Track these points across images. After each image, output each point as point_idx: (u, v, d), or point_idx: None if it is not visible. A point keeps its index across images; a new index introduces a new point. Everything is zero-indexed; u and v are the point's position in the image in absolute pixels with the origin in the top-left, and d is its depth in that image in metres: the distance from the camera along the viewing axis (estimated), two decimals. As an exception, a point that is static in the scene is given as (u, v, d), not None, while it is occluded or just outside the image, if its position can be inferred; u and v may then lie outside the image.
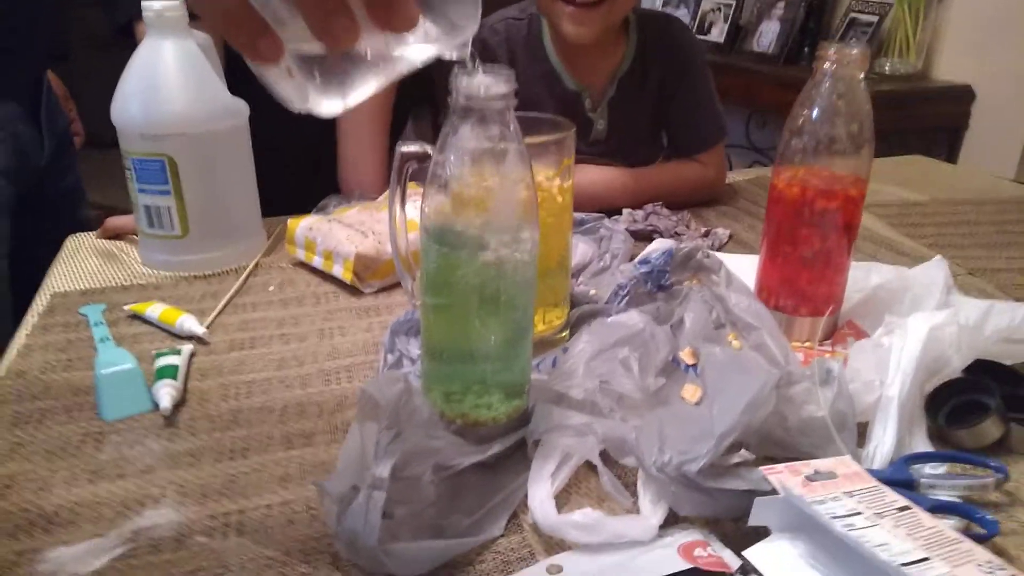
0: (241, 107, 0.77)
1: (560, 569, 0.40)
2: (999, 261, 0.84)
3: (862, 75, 0.59)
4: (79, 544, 0.44)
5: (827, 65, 0.59)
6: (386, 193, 0.85)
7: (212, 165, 0.75)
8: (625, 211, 0.92)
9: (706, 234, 0.87)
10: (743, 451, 0.44)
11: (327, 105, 0.38)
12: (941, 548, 0.39)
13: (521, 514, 0.46)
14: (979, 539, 0.42)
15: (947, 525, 0.42)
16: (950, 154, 1.87)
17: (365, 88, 0.38)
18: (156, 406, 0.55)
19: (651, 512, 0.43)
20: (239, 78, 0.84)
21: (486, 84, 0.42)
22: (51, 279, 0.78)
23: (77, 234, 0.89)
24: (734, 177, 1.09)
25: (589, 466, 0.48)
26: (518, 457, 0.49)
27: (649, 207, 0.92)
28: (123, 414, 0.55)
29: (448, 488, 0.44)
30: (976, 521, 0.44)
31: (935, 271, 0.69)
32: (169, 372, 0.57)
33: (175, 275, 0.77)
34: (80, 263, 0.81)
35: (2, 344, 0.83)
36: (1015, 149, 1.77)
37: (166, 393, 0.55)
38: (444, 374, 0.51)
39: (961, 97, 1.88)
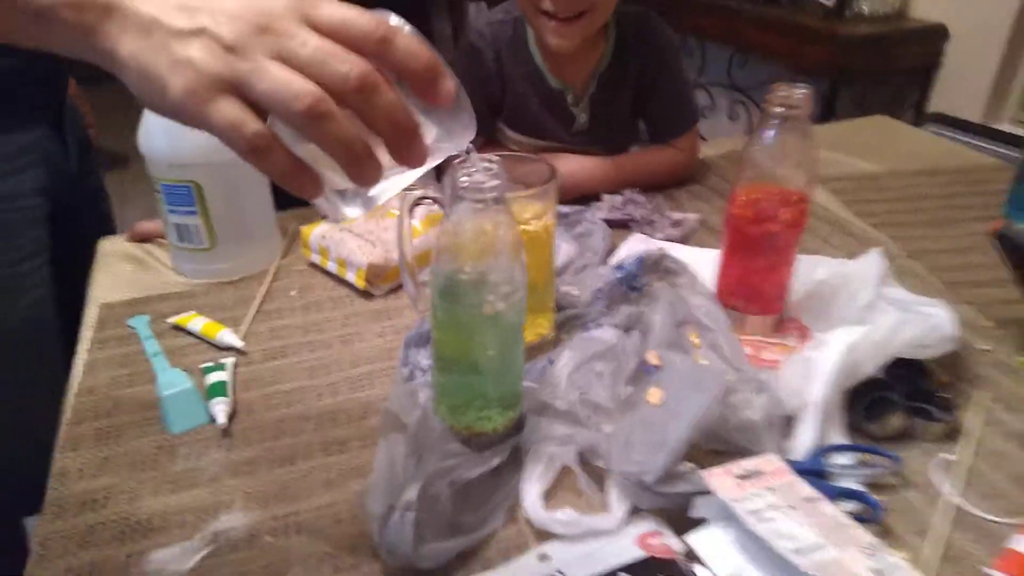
0: (254, 129, 0.85)
1: (547, 557, 0.53)
2: (939, 241, 0.95)
3: (807, 114, 0.68)
4: (173, 547, 0.56)
5: (776, 108, 0.67)
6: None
7: (234, 185, 0.84)
8: (605, 197, 1.01)
9: (677, 223, 0.96)
10: (687, 463, 0.56)
11: (351, 213, 0.47)
12: (835, 534, 0.51)
13: (517, 509, 0.58)
14: (870, 520, 0.55)
15: (847, 509, 0.55)
16: (922, 95, 1.93)
17: (383, 198, 0.48)
18: (212, 419, 0.67)
19: (617, 507, 0.56)
20: None
21: (480, 180, 0.52)
22: (94, 288, 0.88)
23: (108, 238, 0.98)
24: (707, 152, 1.17)
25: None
26: (512, 460, 0.61)
27: (627, 194, 1.01)
28: (185, 427, 0.67)
29: (459, 492, 0.56)
30: (867, 504, 0.56)
31: (871, 266, 0.79)
32: (220, 389, 0.69)
33: (207, 282, 0.87)
34: (116, 270, 0.91)
35: (51, 343, 0.94)
36: (984, 89, 1.83)
37: (220, 410, 0.66)
38: (450, 389, 0.62)
39: (935, 36, 1.93)
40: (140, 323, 0.80)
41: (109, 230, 1.12)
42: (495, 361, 0.59)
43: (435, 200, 0.69)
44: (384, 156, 0.43)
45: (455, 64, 1.03)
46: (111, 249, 0.95)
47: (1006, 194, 0.96)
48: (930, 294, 0.82)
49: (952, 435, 0.64)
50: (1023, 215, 0.93)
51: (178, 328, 0.80)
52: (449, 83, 0.42)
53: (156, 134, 0.80)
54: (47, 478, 0.64)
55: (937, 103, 1.90)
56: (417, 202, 0.68)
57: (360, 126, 0.40)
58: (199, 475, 0.62)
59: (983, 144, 1.68)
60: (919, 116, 1.91)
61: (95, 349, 0.77)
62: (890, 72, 1.92)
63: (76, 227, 1.04)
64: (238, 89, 0.38)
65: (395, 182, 0.47)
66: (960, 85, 1.87)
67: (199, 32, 0.38)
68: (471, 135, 0.46)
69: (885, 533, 0.56)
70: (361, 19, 0.39)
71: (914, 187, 1.09)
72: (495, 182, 0.52)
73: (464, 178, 0.52)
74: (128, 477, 0.62)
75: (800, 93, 0.68)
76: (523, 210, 0.66)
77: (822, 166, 1.15)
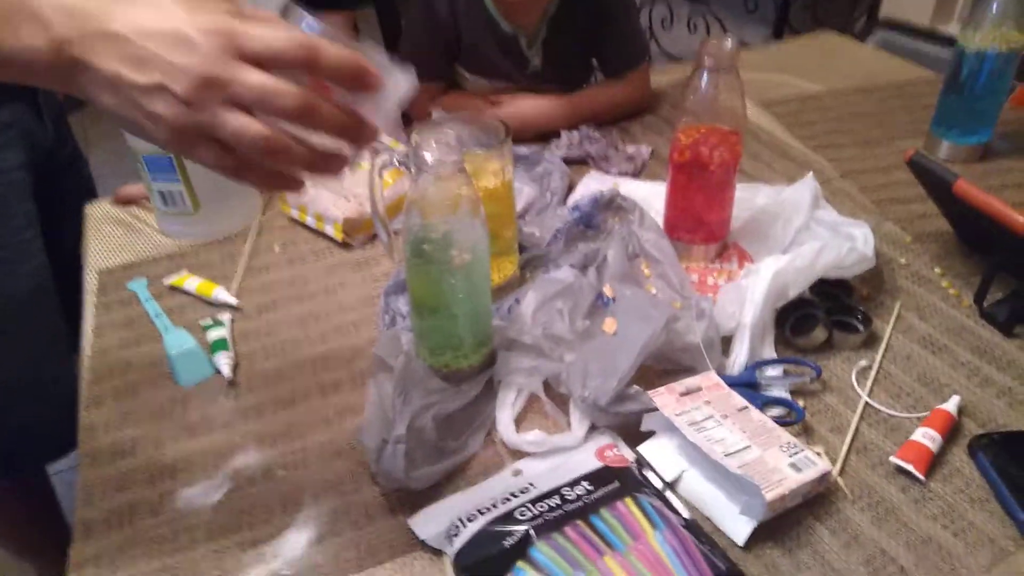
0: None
1: (520, 472, 0.63)
2: (869, 160, 1.02)
3: (734, 65, 0.74)
4: (198, 485, 0.65)
5: (707, 59, 0.73)
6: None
7: (210, 151, 0.89)
8: (563, 134, 1.07)
9: (630, 157, 1.03)
10: (635, 386, 0.65)
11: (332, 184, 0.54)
12: (759, 436, 0.61)
13: (492, 432, 0.67)
14: (793, 422, 0.65)
15: (774, 415, 0.65)
16: (875, 1, 1.96)
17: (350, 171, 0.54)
18: (217, 371, 0.75)
19: (578, 427, 0.65)
20: None
21: (441, 155, 0.58)
22: (89, 254, 0.94)
23: (93, 202, 1.03)
24: (657, 80, 1.22)
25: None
26: (487, 391, 0.70)
27: (584, 130, 1.07)
28: (194, 380, 0.75)
29: (442, 422, 0.65)
30: (792, 409, 0.66)
31: (804, 191, 0.87)
32: (222, 344, 0.76)
33: (193, 242, 0.93)
34: (107, 234, 0.97)
35: (53, 306, 1.00)
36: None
37: (225, 363, 0.74)
38: (428, 333, 0.70)
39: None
40: (139, 286, 0.87)
41: (90, 192, 1.17)
42: (466, 306, 0.67)
43: (401, 163, 0.75)
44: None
45: (410, 14, 1.07)
46: (99, 214, 1.01)
47: (933, 110, 1.03)
48: (860, 213, 0.91)
49: (870, 344, 0.74)
50: (947, 131, 1.01)
51: (174, 288, 0.86)
52: (372, 75, 0.47)
53: (132, 108, 0.84)
54: (61, 429, 0.72)
55: (888, 9, 1.94)
56: (384, 165, 0.74)
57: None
58: (212, 422, 0.70)
59: (931, 49, 1.74)
60: (869, 22, 1.95)
61: (100, 313, 0.84)
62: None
63: (56, 194, 1.08)
64: (208, 133, 0.44)
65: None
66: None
67: (158, 89, 0.42)
68: (411, 76, 0.51)
69: (806, 432, 0.66)
70: (284, 45, 0.43)
71: (850, 106, 1.16)
72: (454, 157, 0.59)
73: (427, 155, 0.58)
74: (150, 427, 0.70)
75: (728, 46, 0.74)
76: (481, 168, 0.73)
77: (769, 89, 1.22)
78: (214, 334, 0.77)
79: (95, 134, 2.62)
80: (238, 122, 0.43)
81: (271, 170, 0.47)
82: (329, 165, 0.47)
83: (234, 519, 0.62)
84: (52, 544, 0.95)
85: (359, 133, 0.47)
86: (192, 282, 0.85)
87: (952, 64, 0.97)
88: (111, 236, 0.97)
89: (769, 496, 0.55)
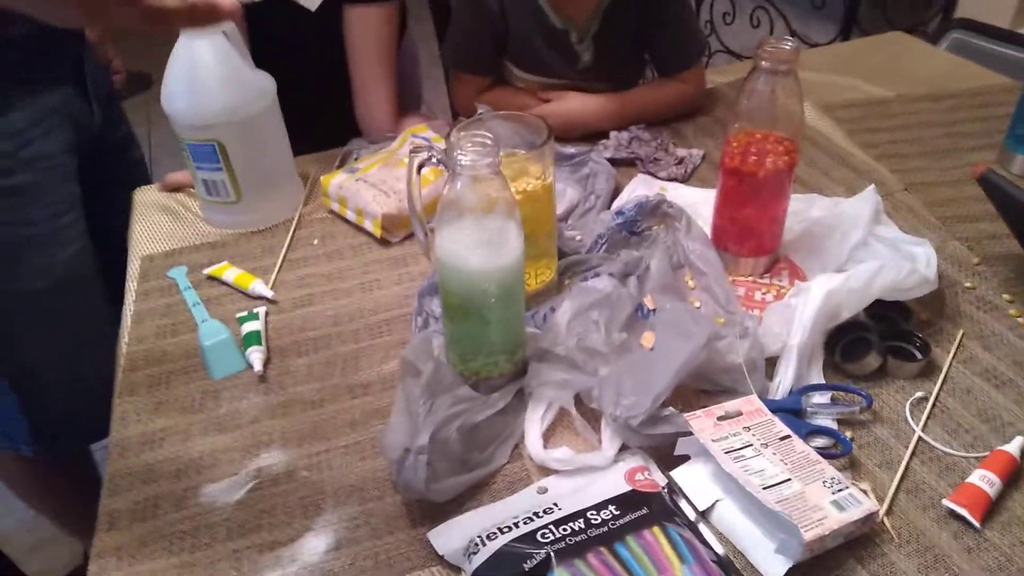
0: (270, 85, 0.89)
1: (546, 490, 0.61)
2: (935, 173, 0.96)
3: (794, 68, 0.70)
4: (223, 481, 0.64)
5: (764, 63, 0.70)
6: (400, 143, 0.99)
7: (255, 141, 0.88)
8: (612, 134, 1.04)
9: (680, 161, 0.99)
10: (670, 408, 0.62)
11: None
12: (802, 470, 0.58)
13: (520, 446, 0.65)
14: (840, 455, 0.61)
15: (818, 446, 0.61)
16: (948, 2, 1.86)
17: None
18: (249, 365, 0.75)
19: (609, 445, 0.62)
20: (262, 44, 0.96)
21: (476, 158, 0.56)
22: (134, 241, 0.95)
23: (141, 188, 1.04)
24: (713, 79, 1.18)
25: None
26: (516, 401, 0.67)
27: (633, 130, 1.04)
28: (226, 373, 0.74)
29: (468, 432, 0.63)
30: (839, 441, 0.62)
31: (864, 204, 0.82)
32: (255, 338, 0.76)
33: (235, 232, 0.93)
34: (152, 221, 0.98)
35: (95, 291, 1.02)
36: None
37: (257, 358, 0.74)
38: (459, 338, 0.68)
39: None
40: (179, 274, 0.87)
41: (142, 176, 1.18)
42: (497, 313, 0.65)
43: (439, 161, 0.74)
44: None
45: (459, 4, 1.05)
46: (146, 200, 1.02)
47: (1009, 120, 0.97)
48: (923, 230, 0.86)
49: (927, 373, 0.69)
50: (1021, 147, 0.95)
51: (212, 278, 0.86)
52: None
53: (178, 97, 0.84)
54: (102, 412, 0.72)
55: (964, 8, 1.84)
56: (423, 163, 0.72)
57: None
58: (241, 417, 0.70)
59: (1010, 52, 1.64)
60: (944, 23, 1.85)
61: (140, 300, 0.85)
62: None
63: (104, 178, 1.09)
64: None
65: None
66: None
67: None
68: None
69: (852, 466, 0.62)
70: None
71: (918, 113, 1.09)
72: (489, 159, 0.57)
73: (462, 157, 0.56)
74: (179, 419, 0.70)
75: (787, 48, 0.69)
76: (521, 169, 0.70)
77: (832, 92, 1.16)
78: (248, 327, 0.77)
79: (157, 115, 2.68)
80: None
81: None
82: None
83: (255, 519, 0.61)
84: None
85: None
86: (231, 273, 0.85)
87: (1034, 73, 0.90)
88: (156, 222, 0.97)
89: (808, 536, 0.52)
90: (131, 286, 0.87)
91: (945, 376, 0.69)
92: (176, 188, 1.02)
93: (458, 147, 0.57)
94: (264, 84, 0.88)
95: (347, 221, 0.93)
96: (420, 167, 0.72)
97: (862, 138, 1.04)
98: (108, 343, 0.89)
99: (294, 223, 0.94)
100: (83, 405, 0.97)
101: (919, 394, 0.67)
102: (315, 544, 0.59)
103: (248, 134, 0.87)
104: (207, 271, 0.87)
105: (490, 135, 0.58)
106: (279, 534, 0.60)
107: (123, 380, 0.75)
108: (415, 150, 0.72)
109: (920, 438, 0.63)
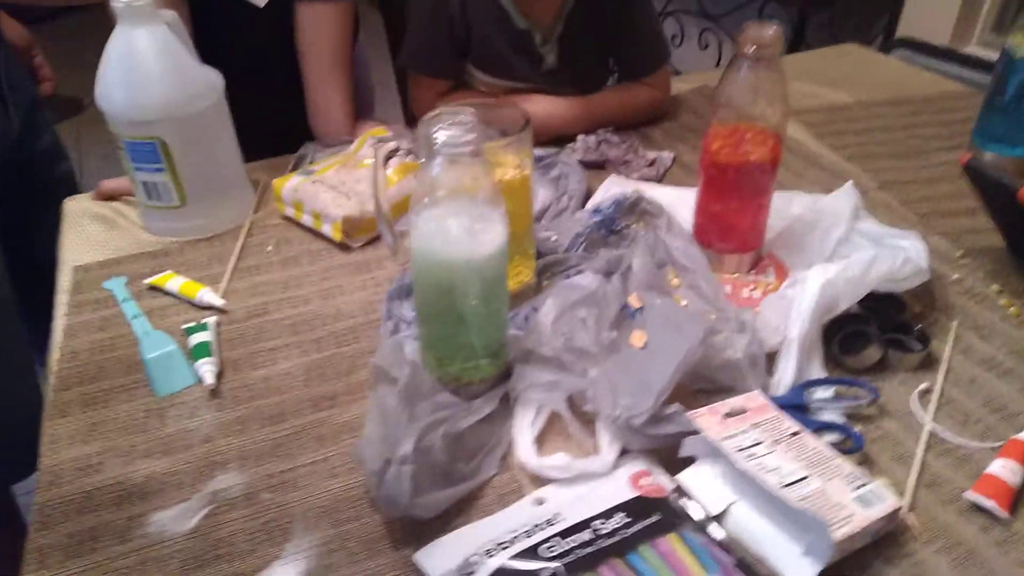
0: (217, 80, 0.83)
1: (543, 500, 0.55)
2: (907, 172, 0.96)
3: (777, 53, 0.67)
4: (173, 508, 0.56)
5: (747, 48, 0.67)
6: (358, 146, 0.93)
7: (200, 139, 0.81)
8: (579, 138, 1.00)
9: (652, 163, 0.96)
10: (675, 404, 0.57)
11: None
12: (819, 466, 0.53)
13: (508, 456, 0.59)
14: (852, 451, 0.57)
15: (828, 441, 0.57)
16: (891, 20, 1.92)
17: None
18: (199, 380, 0.67)
19: (607, 450, 0.57)
20: (207, 41, 0.89)
21: (456, 134, 0.51)
22: (64, 251, 0.86)
23: (72, 198, 0.95)
24: (679, 87, 1.16)
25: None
26: (501, 408, 0.62)
27: (601, 133, 1.01)
28: (173, 389, 0.66)
29: (451, 442, 0.57)
30: (850, 436, 0.58)
31: (844, 199, 0.80)
32: (204, 349, 0.68)
33: (179, 240, 0.86)
34: (86, 231, 0.89)
35: (10, 311, 0.92)
36: (952, 12, 1.83)
37: (207, 371, 0.66)
38: (435, 341, 0.62)
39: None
40: (116, 285, 0.79)
41: (70, 190, 1.09)
42: (479, 311, 0.59)
43: (409, 151, 0.68)
44: None
45: (417, 5, 1.01)
46: (78, 209, 0.93)
47: (973, 123, 0.97)
48: (902, 226, 0.84)
49: (927, 364, 0.66)
50: (989, 144, 0.95)
51: (155, 288, 0.78)
52: None
53: (115, 89, 0.77)
54: (25, 447, 0.63)
55: (905, 28, 1.89)
56: (391, 153, 0.67)
57: None
58: (191, 436, 0.62)
59: (951, 68, 1.69)
60: (887, 42, 1.90)
61: (73, 313, 0.76)
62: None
63: (25, 190, 1.00)
64: None
65: None
66: (928, 9, 1.86)
67: None
68: None
69: (865, 462, 0.58)
70: None
71: (882, 117, 1.09)
72: (470, 136, 0.52)
73: (439, 133, 0.51)
74: (120, 441, 0.62)
75: (771, 32, 0.67)
76: (499, 159, 0.65)
77: (793, 98, 1.15)
78: (196, 338, 0.69)
79: (89, 140, 2.54)
80: None
81: None
82: None
83: (212, 548, 0.53)
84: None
85: None
86: (175, 282, 0.77)
87: (997, 72, 0.91)
88: (90, 232, 0.89)
89: (837, 535, 0.47)
90: (62, 299, 0.78)
91: (947, 367, 0.66)
92: (111, 196, 0.94)
93: (435, 126, 0.52)
94: (211, 79, 0.82)
95: (303, 226, 0.87)
96: (388, 158, 0.66)
97: (830, 140, 1.03)
98: (27, 370, 0.80)
99: (244, 229, 0.87)
100: (6, 437, 0.87)
101: (923, 385, 0.64)
102: (284, 573, 0.51)
103: (193, 132, 0.80)
104: (148, 281, 0.78)
105: (470, 113, 0.53)
106: (242, 564, 0.52)
107: (54, 400, 0.66)
108: (381, 140, 0.66)
109: (931, 431, 0.60)
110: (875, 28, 1.97)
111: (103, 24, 0.77)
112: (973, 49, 1.85)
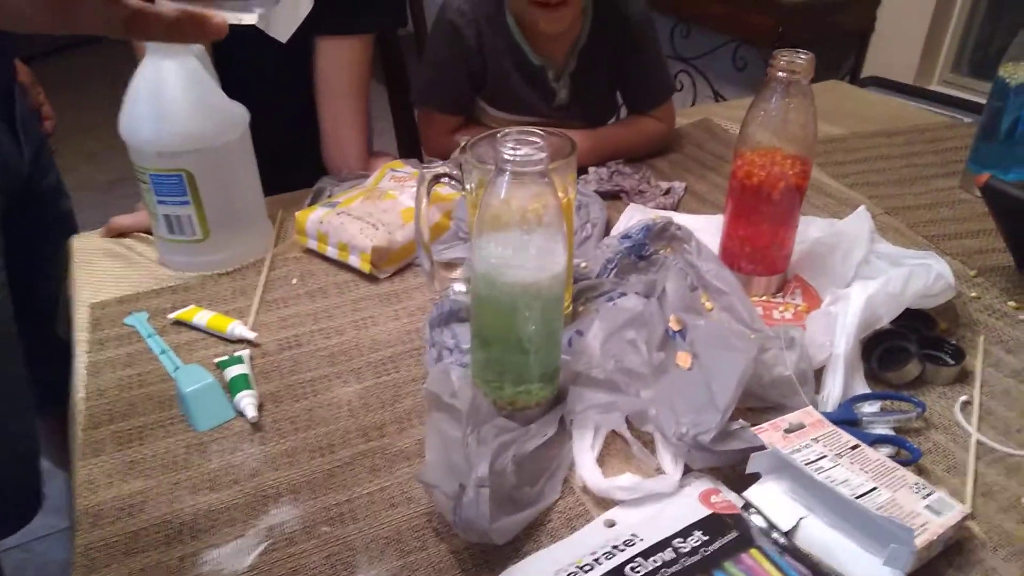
0: (242, 113, 0.82)
1: (614, 523, 0.54)
2: (909, 198, 0.99)
3: (808, 80, 0.70)
4: (227, 545, 0.54)
5: (780, 74, 0.69)
6: (377, 178, 0.93)
7: (226, 172, 0.80)
8: (591, 170, 1.02)
9: (667, 192, 0.98)
10: (740, 420, 0.58)
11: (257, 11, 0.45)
12: (884, 477, 0.54)
13: (570, 478, 0.59)
14: (908, 463, 0.58)
15: (884, 454, 0.58)
16: (858, 60, 2.01)
17: None
18: (238, 413, 0.65)
19: (672, 470, 0.57)
20: (227, 73, 0.89)
21: (527, 152, 0.51)
22: (77, 289, 0.83)
23: (78, 235, 0.93)
24: (679, 121, 1.19)
25: (614, 433, 0.61)
26: (559, 431, 0.61)
27: (612, 165, 1.02)
28: (213, 424, 0.64)
29: (519, 463, 0.56)
30: (906, 449, 0.59)
31: (860, 222, 0.83)
32: (243, 382, 0.66)
33: (199, 274, 0.84)
34: (98, 268, 0.87)
35: (11, 347, 0.89)
36: (915, 51, 1.92)
37: (248, 403, 0.64)
38: (490, 365, 0.62)
39: (869, 1, 2.00)
40: (138, 320, 0.76)
41: (72, 227, 1.06)
42: (538, 334, 0.59)
43: (452, 177, 0.69)
44: None
45: (434, 41, 1.02)
46: (87, 246, 0.90)
47: (968, 151, 1.01)
48: (915, 248, 0.87)
49: (961, 379, 0.68)
50: (984, 170, 0.99)
51: (179, 323, 0.76)
52: None
53: (143, 121, 0.76)
54: (19, 497, 0.60)
55: (871, 67, 1.98)
56: (435, 179, 0.67)
57: None
58: (237, 471, 0.60)
59: (917, 104, 1.76)
60: (854, 80, 1.98)
61: (95, 351, 0.73)
62: (827, 37, 1.98)
63: (31, 227, 0.98)
64: None
65: None
66: (893, 48, 1.95)
67: None
68: None
69: (921, 474, 0.59)
70: None
71: (878, 147, 1.14)
72: (542, 155, 0.52)
73: (511, 153, 0.52)
74: (162, 479, 0.60)
75: (802, 59, 0.70)
76: (548, 183, 0.66)
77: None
78: (233, 371, 0.68)
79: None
80: None
81: (166, 16, 0.39)
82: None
83: (274, 585, 0.51)
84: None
85: None
86: (203, 316, 0.75)
87: (991, 100, 0.95)
88: (103, 268, 0.86)
89: (919, 542, 0.48)
90: (80, 337, 0.76)
91: (981, 380, 0.68)
92: (121, 233, 0.92)
93: (505, 143, 0.53)
94: (236, 112, 0.81)
95: (327, 258, 0.86)
96: (432, 182, 0.66)
97: (831, 170, 1.07)
98: (27, 410, 0.76)
99: (267, 262, 0.85)
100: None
101: (964, 397, 0.65)
102: (356, 606, 0.50)
103: (219, 165, 0.79)
104: (173, 315, 0.77)
105: (539, 132, 0.54)
106: (309, 599, 0.50)
107: (84, 440, 0.64)
108: (427, 164, 0.67)
109: (978, 441, 0.61)
110: (843, 68, 2.06)
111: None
112: (936, 86, 1.95)
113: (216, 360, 0.70)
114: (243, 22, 0.44)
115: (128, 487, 0.59)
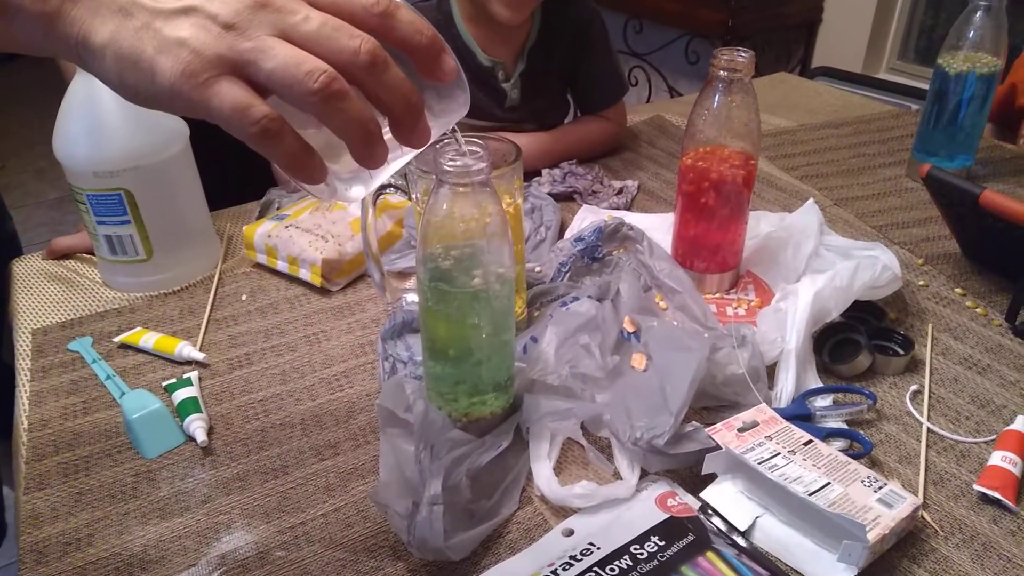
0: (181, 126, 0.80)
1: (572, 531, 0.54)
2: (857, 188, 1.01)
3: (750, 77, 0.70)
4: (180, 575, 0.53)
5: (721, 72, 0.70)
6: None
7: (167, 189, 0.78)
8: (544, 172, 1.02)
9: (619, 191, 0.98)
10: (694, 421, 0.58)
11: (356, 194, 0.45)
12: (836, 472, 0.54)
13: (528, 488, 0.58)
14: (861, 455, 0.59)
15: (837, 447, 0.59)
16: (807, 51, 2.04)
17: (382, 178, 0.46)
18: (188, 438, 0.63)
19: (629, 475, 0.57)
20: None
21: (467, 163, 0.51)
22: (18, 314, 0.81)
23: (19, 259, 0.90)
24: (631, 118, 1.19)
25: (571, 439, 0.61)
26: (515, 441, 0.61)
27: (565, 166, 1.02)
28: (161, 450, 0.63)
29: (474, 477, 0.56)
30: (858, 441, 0.60)
31: (809, 215, 0.83)
32: (192, 405, 0.65)
33: (145, 295, 0.82)
34: (40, 292, 0.84)
35: None
36: (862, 41, 1.96)
37: (198, 427, 0.63)
38: (443, 377, 0.61)
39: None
40: (82, 346, 0.74)
41: (15, 251, 1.03)
42: (489, 344, 0.58)
43: (397, 188, 0.68)
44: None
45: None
46: (28, 270, 0.88)
47: (913, 139, 1.03)
48: (863, 239, 0.88)
49: (911, 368, 0.69)
50: (928, 158, 1.01)
51: (126, 346, 0.74)
52: (451, 59, 0.40)
53: (77, 141, 0.74)
54: None
55: (820, 58, 2.01)
56: (380, 191, 0.66)
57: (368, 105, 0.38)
58: (188, 498, 0.59)
59: (865, 93, 1.79)
60: (804, 71, 2.01)
61: (37, 379, 0.71)
62: (777, 29, 2.01)
63: None
64: (240, 70, 0.35)
65: (394, 162, 0.45)
66: (840, 38, 1.98)
67: (189, 11, 0.34)
68: (463, 112, 0.45)
69: (874, 466, 0.59)
70: None
71: (826, 139, 1.15)
72: (482, 164, 0.52)
73: (450, 162, 0.51)
74: (110, 510, 0.58)
75: (743, 56, 0.70)
76: (495, 191, 0.65)
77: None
78: (181, 394, 0.66)
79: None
80: (290, 52, 0.34)
81: (299, 139, 0.36)
82: (377, 146, 0.38)
83: (228, 615, 0.50)
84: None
85: (417, 121, 0.39)
86: (149, 338, 0.73)
87: (933, 88, 0.97)
88: (45, 292, 0.84)
89: (871, 536, 0.48)
90: (23, 365, 0.73)
91: (931, 368, 0.69)
92: (64, 255, 0.89)
93: (444, 154, 0.52)
94: (175, 126, 0.79)
95: (277, 272, 0.84)
96: (377, 193, 0.66)
97: (781, 163, 1.08)
98: None
99: (215, 280, 0.83)
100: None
101: (915, 387, 0.66)
102: (312, 633, 0.49)
103: (159, 181, 0.77)
104: (119, 339, 0.74)
105: (480, 140, 0.53)
106: (263, 628, 0.49)
107: (28, 472, 0.61)
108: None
109: (929, 429, 0.62)
110: (793, 60, 2.09)
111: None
112: (884, 74, 1.98)
113: (164, 383, 0.68)
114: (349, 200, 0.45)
115: (75, 520, 0.57)
